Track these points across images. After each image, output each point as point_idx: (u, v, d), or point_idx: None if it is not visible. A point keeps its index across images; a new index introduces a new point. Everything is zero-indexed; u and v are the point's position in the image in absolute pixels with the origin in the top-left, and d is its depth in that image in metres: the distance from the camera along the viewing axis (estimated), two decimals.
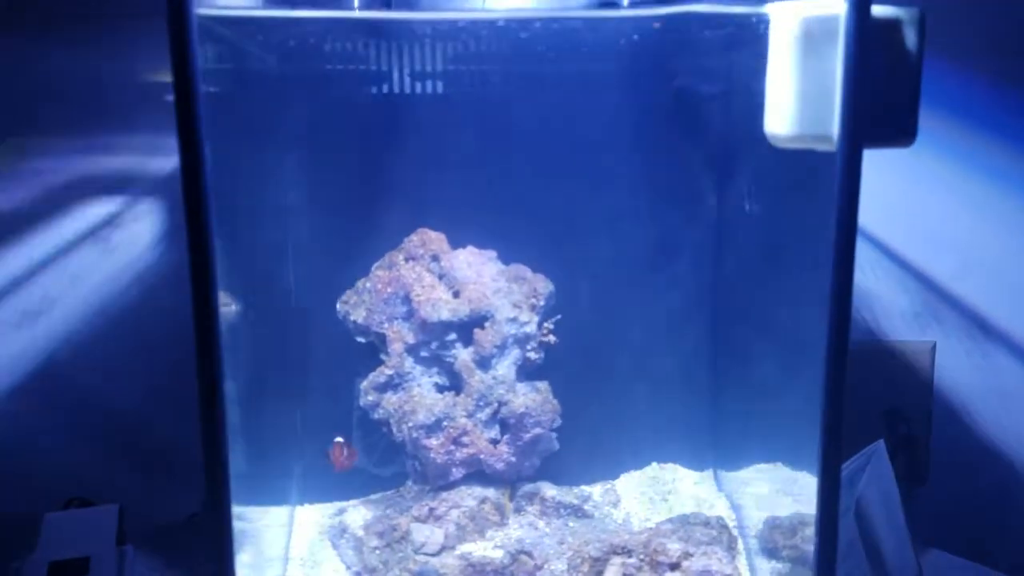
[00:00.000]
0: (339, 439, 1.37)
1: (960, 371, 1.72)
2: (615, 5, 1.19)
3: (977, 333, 1.72)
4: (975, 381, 1.73)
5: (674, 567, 1.15)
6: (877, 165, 1.57)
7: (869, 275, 1.70)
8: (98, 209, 1.63)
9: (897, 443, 1.67)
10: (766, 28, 1.04)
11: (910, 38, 0.95)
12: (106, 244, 1.63)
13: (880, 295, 1.72)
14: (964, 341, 1.72)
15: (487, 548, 1.28)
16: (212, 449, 1.02)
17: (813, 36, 0.98)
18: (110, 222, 1.63)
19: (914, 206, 1.68)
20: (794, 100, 1.00)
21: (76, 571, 1.30)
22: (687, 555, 1.16)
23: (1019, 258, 1.70)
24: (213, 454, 1.02)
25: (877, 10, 0.94)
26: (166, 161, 1.60)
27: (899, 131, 0.96)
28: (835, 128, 0.94)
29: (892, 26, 0.95)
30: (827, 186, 0.97)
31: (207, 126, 0.97)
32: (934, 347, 1.67)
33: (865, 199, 1.62)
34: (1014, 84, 1.64)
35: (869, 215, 1.55)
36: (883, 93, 0.94)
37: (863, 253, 1.57)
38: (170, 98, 1.55)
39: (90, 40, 1.59)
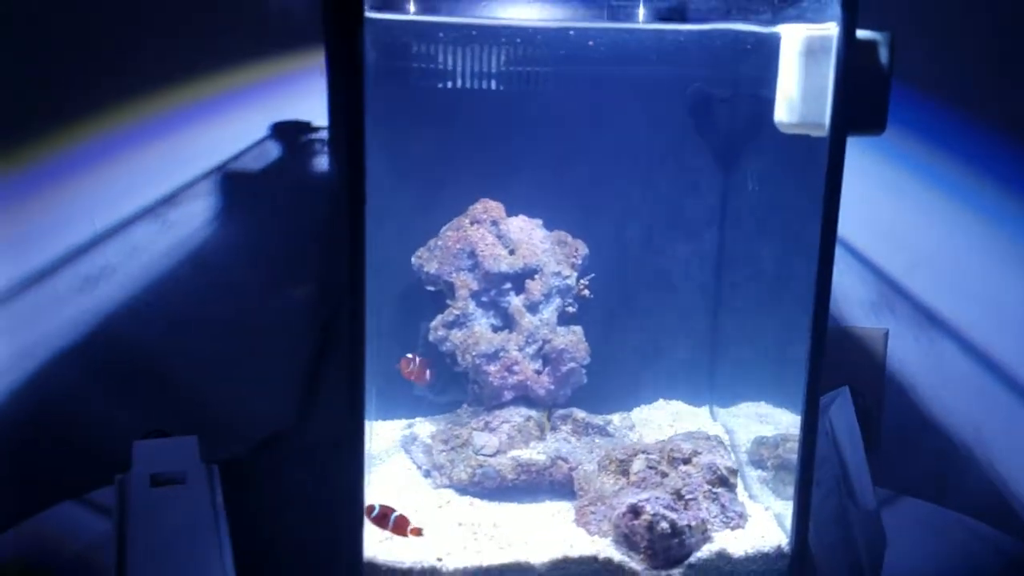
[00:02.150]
0: (408, 355, 1.52)
1: (910, 355, 1.85)
2: (679, 19, 1.36)
3: (925, 322, 1.84)
4: (922, 364, 1.85)
5: (686, 461, 1.36)
6: (845, 178, 1.71)
7: (833, 269, 1.89)
8: (157, 187, 1.69)
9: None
10: (777, 43, 1.27)
11: (883, 54, 1.19)
12: (164, 220, 1.70)
13: (842, 286, 1.82)
14: (914, 329, 1.85)
15: (533, 454, 1.46)
16: (353, 374, 1.18)
17: (813, 50, 1.22)
18: (169, 200, 1.70)
19: (874, 210, 1.79)
20: (797, 96, 1.23)
21: (174, 482, 1.39)
22: (696, 453, 1.37)
23: (962, 257, 1.82)
24: (353, 377, 1.18)
25: (860, 33, 1.17)
26: (221, 147, 1.69)
27: (873, 122, 1.19)
28: (827, 118, 1.16)
29: (871, 45, 1.19)
30: (819, 164, 1.18)
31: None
32: (887, 333, 1.80)
33: None
34: (960, 105, 1.77)
35: None
36: (862, 93, 1.16)
37: None
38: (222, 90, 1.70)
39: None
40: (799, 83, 1.23)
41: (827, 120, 1.16)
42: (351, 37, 1.09)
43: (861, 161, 1.71)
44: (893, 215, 1.81)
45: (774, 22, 1.32)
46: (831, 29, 1.15)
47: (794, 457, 1.28)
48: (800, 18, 1.26)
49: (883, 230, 1.82)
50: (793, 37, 1.24)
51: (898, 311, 1.85)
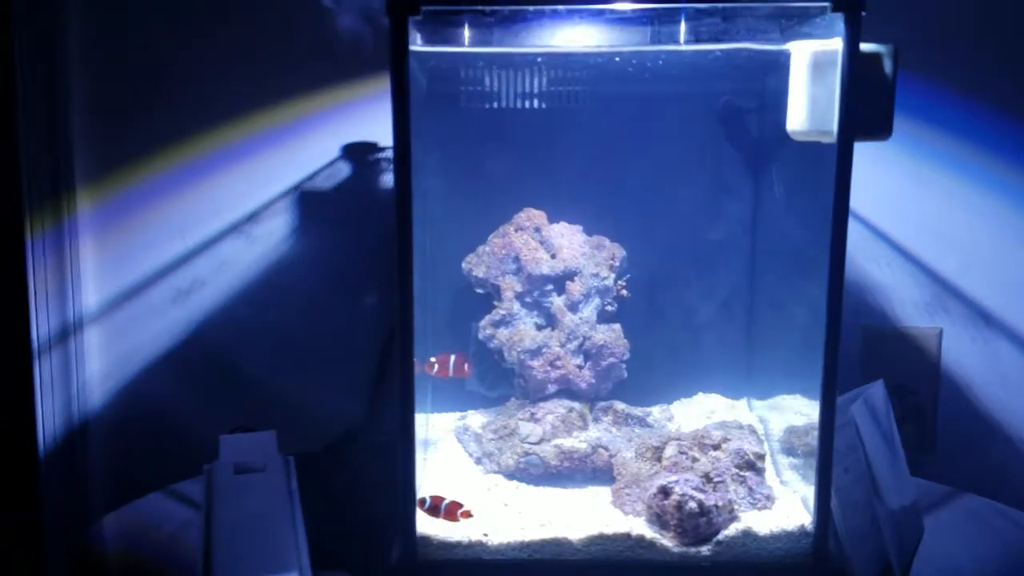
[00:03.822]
0: (432, 359, 1.56)
1: (964, 354, 1.87)
2: (696, 41, 1.44)
3: (979, 322, 1.86)
4: (977, 364, 1.87)
5: (716, 447, 1.45)
6: (895, 181, 1.78)
7: (885, 270, 1.86)
8: (242, 206, 1.83)
9: (906, 412, 1.87)
10: (788, 59, 1.36)
11: (887, 65, 1.26)
12: (248, 236, 1.84)
13: (895, 287, 1.87)
14: (968, 328, 1.87)
15: (574, 442, 1.54)
16: (404, 376, 1.31)
17: (820, 64, 1.30)
18: (252, 218, 1.83)
19: (926, 213, 1.84)
20: (807, 106, 1.31)
21: (255, 470, 1.50)
22: (726, 440, 1.45)
23: (1014, 257, 1.85)
24: (404, 379, 1.31)
25: (865, 46, 1.24)
26: (297, 168, 1.82)
27: (878, 128, 1.26)
28: (835, 125, 1.24)
29: (874, 57, 1.26)
30: (830, 167, 1.26)
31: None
32: (941, 333, 1.85)
33: (884, 207, 1.80)
34: (1007, 107, 1.80)
35: (887, 220, 1.84)
36: (868, 102, 1.24)
37: (881, 252, 1.85)
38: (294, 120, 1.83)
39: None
40: (808, 94, 1.32)
41: (835, 127, 1.24)
42: (399, 67, 1.24)
43: (912, 166, 1.82)
44: (944, 218, 1.85)
45: (783, 40, 1.40)
46: (836, 44, 1.23)
47: None
48: (808, 35, 1.34)
49: (935, 233, 1.86)
50: (802, 52, 1.32)
51: (952, 311, 1.88)
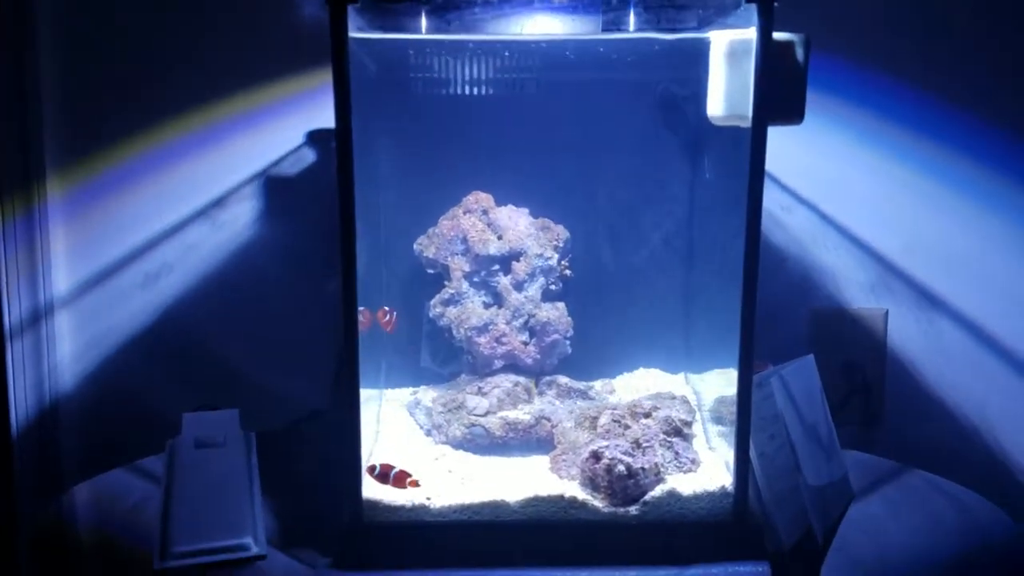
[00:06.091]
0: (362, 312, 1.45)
1: (909, 334, 1.94)
2: (619, 29, 1.50)
3: (923, 302, 1.93)
4: (922, 342, 1.95)
5: (647, 415, 1.53)
6: (841, 167, 1.85)
7: (832, 253, 1.92)
8: (208, 192, 1.87)
9: (853, 389, 1.96)
10: (708, 47, 1.44)
11: (799, 53, 1.32)
12: (214, 221, 1.88)
13: (841, 269, 1.92)
14: (912, 309, 1.94)
15: (519, 414, 1.59)
16: (349, 349, 1.35)
17: (736, 52, 1.36)
18: (218, 203, 1.87)
19: (870, 198, 1.89)
20: (724, 92, 1.38)
21: (215, 446, 1.59)
22: (656, 408, 1.53)
23: (953, 238, 1.90)
24: (349, 351, 1.35)
25: (778, 35, 1.30)
26: (263, 154, 1.86)
27: (791, 113, 1.32)
28: (750, 110, 1.30)
29: (787, 45, 1.32)
30: (746, 149, 1.32)
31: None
32: (887, 313, 1.92)
33: (830, 193, 1.87)
34: (947, 96, 1.86)
35: (833, 206, 1.90)
36: (780, 88, 1.30)
37: (828, 236, 1.92)
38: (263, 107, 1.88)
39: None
40: (726, 81, 1.39)
41: (750, 112, 1.30)
42: (339, 53, 1.28)
43: (858, 153, 1.89)
44: (888, 202, 1.90)
45: (701, 29, 1.48)
46: (751, 33, 1.30)
47: None
48: (725, 25, 1.41)
49: (879, 216, 1.91)
50: (720, 41, 1.40)
51: (896, 292, 1.94)
